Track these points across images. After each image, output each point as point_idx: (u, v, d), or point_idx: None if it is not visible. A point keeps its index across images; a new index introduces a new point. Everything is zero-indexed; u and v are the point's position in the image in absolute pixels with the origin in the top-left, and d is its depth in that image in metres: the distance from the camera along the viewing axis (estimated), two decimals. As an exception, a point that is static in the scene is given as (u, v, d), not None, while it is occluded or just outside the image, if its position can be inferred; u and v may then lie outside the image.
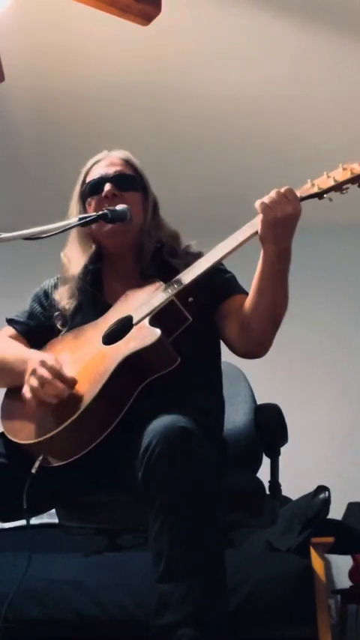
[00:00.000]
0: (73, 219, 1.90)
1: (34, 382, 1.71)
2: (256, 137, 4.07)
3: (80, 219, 1.90)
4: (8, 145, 4.14)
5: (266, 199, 1.75)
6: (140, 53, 3.49)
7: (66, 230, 1.87)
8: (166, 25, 2.85)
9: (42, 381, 1.70)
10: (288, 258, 1.80)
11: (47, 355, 1.79)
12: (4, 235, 1.81)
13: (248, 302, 1.86)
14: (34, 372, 1.72)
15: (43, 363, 1.73)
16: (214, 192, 4.50)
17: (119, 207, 1.91)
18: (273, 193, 1.76)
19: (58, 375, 1.71)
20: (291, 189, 1.77)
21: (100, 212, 1.90)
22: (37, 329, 2.03)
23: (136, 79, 3.68)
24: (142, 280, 1.94)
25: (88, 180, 2.02)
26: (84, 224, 1.91)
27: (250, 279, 1.85)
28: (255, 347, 1.90)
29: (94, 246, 2.02)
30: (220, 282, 1.97)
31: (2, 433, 1.82)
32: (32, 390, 1.71)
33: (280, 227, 1.75)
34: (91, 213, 1.93)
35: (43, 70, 3.65)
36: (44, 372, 1.71)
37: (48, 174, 4.36)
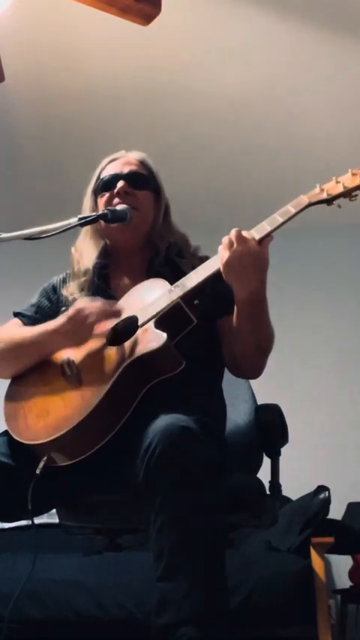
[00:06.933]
0: (73, 219, 1.91)
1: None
2: (256, 137, 4.06)
3: (80, 219, 1.91)
4: (8, 145, 4.13)
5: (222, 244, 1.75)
6: (140, 53, 3.49)
7: (66, 230, 1.87)
8: (166, 25, 2.85)
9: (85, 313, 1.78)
10: (260, 301, 1.79)
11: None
12: (4, 235, 1.82)
13: (233, 332, 1.85)
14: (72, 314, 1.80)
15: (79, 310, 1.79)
16: (214, 192, 4.49)
17: (119, 207, 1.94)
18: (224, 238, 1.74)
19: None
20: (238, 232, 1.74)
21: (100, 212, 1.92)
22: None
23: (136, 79, 3.68)
24: (148, 277, 1.94)
25: (102, 177, 2.04)
26: (84, 224, 1.93)
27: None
28: (245, 373, 1.97)
29: (104, 242, 2.04)
30: (222, 294, 1.86)
31: (6, 432, 1.82)
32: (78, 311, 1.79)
33: (238, 271, 1.73)
34: (92, 213, 1.94)
35: (43, 70, 3.65)
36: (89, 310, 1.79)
37: (48, 174, 4.35)
